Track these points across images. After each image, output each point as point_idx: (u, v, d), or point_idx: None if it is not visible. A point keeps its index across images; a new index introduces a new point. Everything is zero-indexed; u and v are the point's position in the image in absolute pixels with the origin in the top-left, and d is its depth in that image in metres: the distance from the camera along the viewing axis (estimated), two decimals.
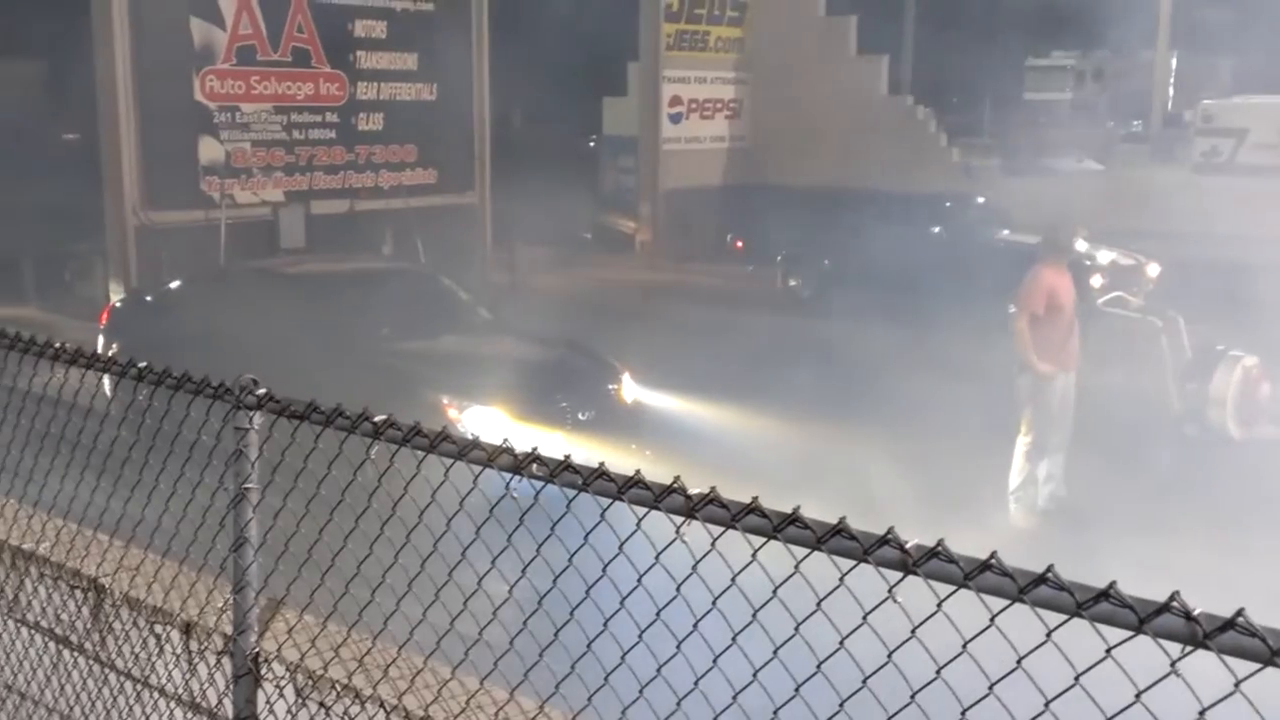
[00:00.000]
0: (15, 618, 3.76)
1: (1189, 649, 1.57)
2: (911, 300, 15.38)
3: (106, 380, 3.46)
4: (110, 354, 4.35)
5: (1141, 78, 36.11)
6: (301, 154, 17.04)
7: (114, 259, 15.50)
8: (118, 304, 12.25)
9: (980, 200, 17.99)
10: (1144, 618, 1.60)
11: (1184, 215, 19.07)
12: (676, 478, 2.10)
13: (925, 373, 11.25)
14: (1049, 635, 1.70)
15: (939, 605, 1.81)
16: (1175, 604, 1.58)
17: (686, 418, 10.30)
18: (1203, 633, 1.55)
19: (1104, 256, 15.28)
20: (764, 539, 1.98)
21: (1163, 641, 1.58)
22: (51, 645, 3.60)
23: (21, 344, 3.48)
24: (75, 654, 3.51)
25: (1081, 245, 9.85)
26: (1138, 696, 1.64)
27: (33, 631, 3.68)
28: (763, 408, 10.30)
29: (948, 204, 17.67)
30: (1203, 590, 1.78)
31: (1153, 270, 15.64)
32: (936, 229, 16.96)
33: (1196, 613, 1.56)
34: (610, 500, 2.20)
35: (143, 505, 3.31)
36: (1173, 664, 1.59)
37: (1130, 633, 1.61)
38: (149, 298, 11.73)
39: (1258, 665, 1.52)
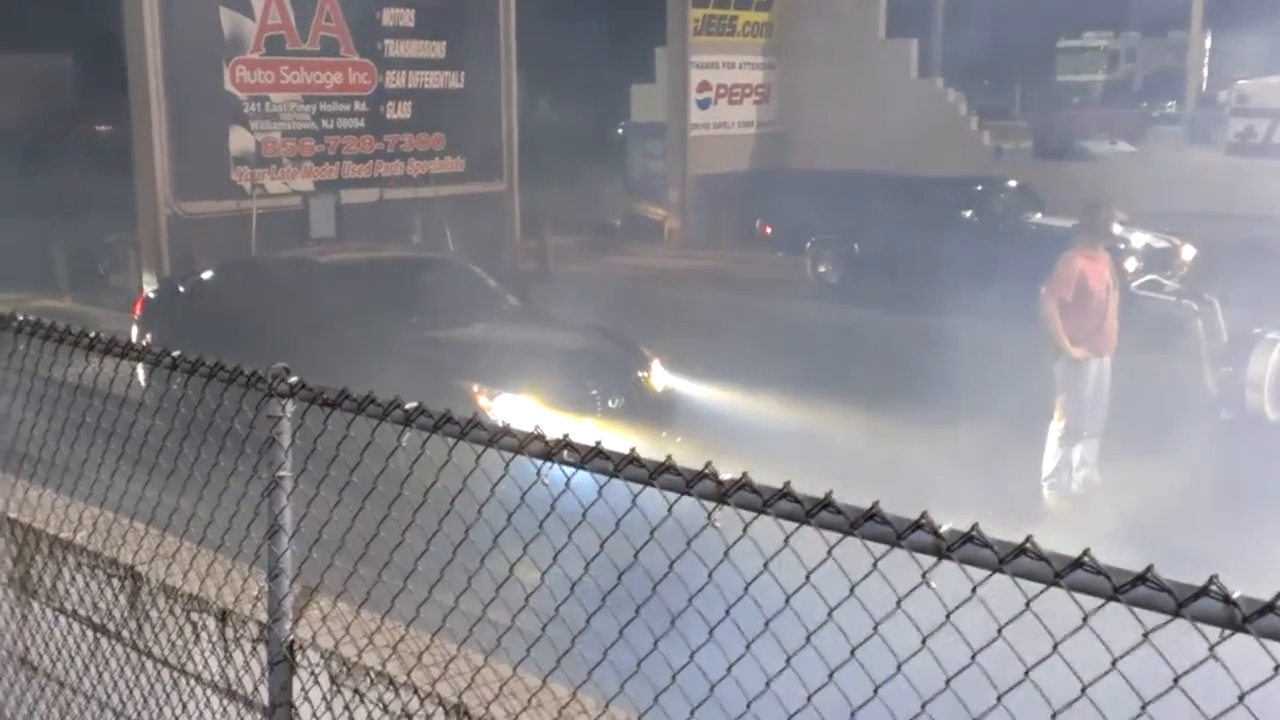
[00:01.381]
0: (54, 606, 3.80)
1: (1228, 633, 1.55)
2: (941, 285, 15.29)
3: (141, 370, 3.48)
4: (144, 344, 4.38)
5: (1175, 58, 35.73)
6: (331, 143, 17.11)
7: (146, 249, 15.62)
8: (151, 294, 12.35)
9: (1012, 184, 17.83)
10: (1182, 601, 1.58)
11: (1219, 197, 18.87)
12: (708, 463, 2.10)
13: (956, 358, 11.18)
14: (1085, 620, 1.68)
15: (974, 590, 1.79)
16: (1214, 587, 1.56)
17: (716, 404, 10.29)
18: (1241, 616, 1.53)
19: (1138, 239, 15.12)
20: (796, 524, 1.98)
21: (1201, 625, 1.56)
22: (89, 633, 3.63)
23: (57, 334, 3.51)
24: (113, 642, 3.54)
25: (1117, 229, 9.73)
26: (1175, 681, 1.62)
27: (71, 620, 3.72)
28: (792, 394, 10.27)
29: (979, 188, 17.53)
30: (1241, 574, 1.76)
31: (1187, 253, 15.46)
32: (967, 213, 16.83)
33: (1235, 596, 1.54)
34: (641, 487, 2.20)
35: (178, 494, 3.34)
36: (1211, 648, 1.57)
37: (1168, 616, 1.59)
38: (181, 288, 11.81)
39: None
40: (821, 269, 18.24)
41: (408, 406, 2.58)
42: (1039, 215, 16.50)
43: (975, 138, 22.79)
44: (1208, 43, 32.91)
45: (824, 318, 15.30)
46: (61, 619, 3.75)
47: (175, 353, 3.10)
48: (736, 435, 9.25)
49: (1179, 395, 9.70)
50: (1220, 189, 19.47)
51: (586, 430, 5.71)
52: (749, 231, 19.98)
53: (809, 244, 18.34)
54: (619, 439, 3.76)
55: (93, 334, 3.42)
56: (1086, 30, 41.85)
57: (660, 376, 9.58)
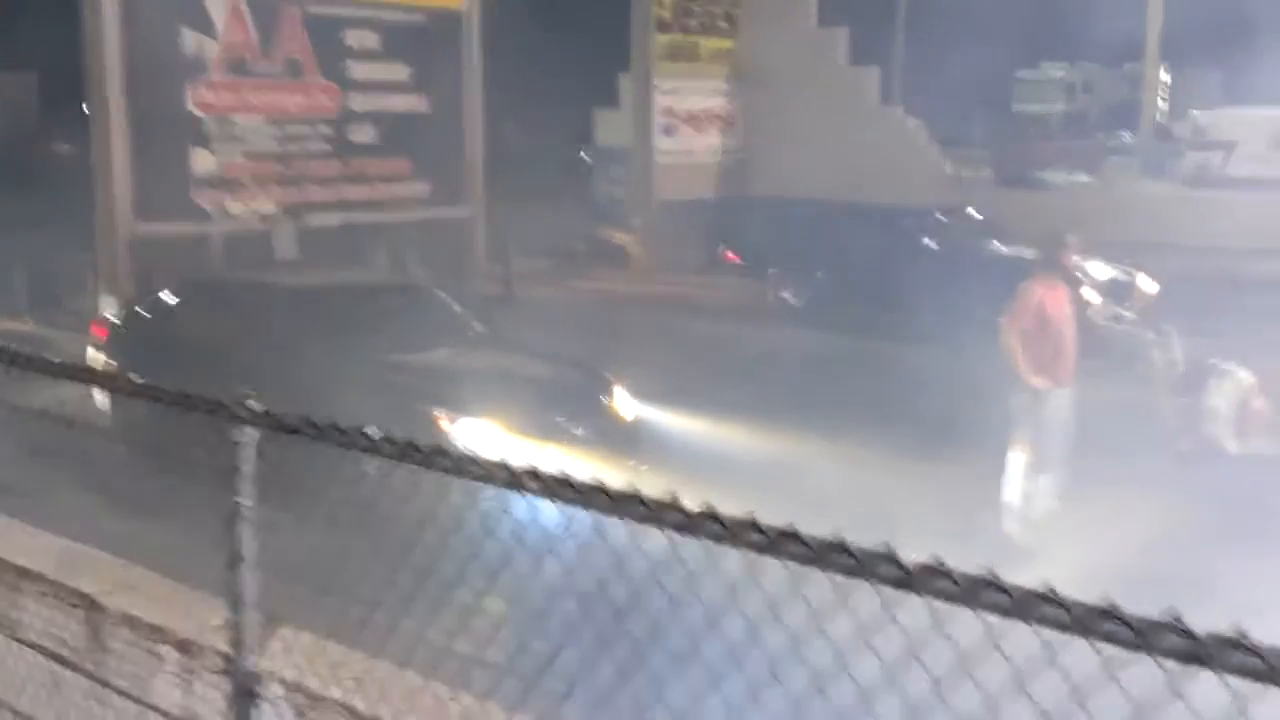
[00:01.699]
0: (12, 635, 3.74)
1: (1191, 667, 1.57)
2: (903, 312, 15.40)
3: (98, 395, 3.45)
4: (109, 369, 4.35)
5: (1131, 90, 36.26)
6: (294, 166, 17.02)
7: (106, 271, 15.45)
8: (109, 317, 12.22)
9: (971, 212, 18.02)
10: (1145, 634, 1.60)
11: (1175, 228, 19.14)
12: (673, 494, 2.10)
13: (918, 386, 11.26)
14: (1050, 654, 1.70)
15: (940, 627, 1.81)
16: (1176, 623, 1.58)
17: (680, 430, 10.30)
18: (1206, 652, 1.56)
19: (1096, 270, 15.30)
20: (761, 555, 1.99)
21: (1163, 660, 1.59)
22: (49, 664, 3.58)
23: (20, 360, 3.47)
24: (73, 672, 3.49)
25: (1075, 259, 9.84)
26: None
27: (30, 650, 3.66)
28: (756, 420, 10.29)
29: (939, 216, 17.70)
30: (1205, 607, 1.79)
31: (1145, 284, 15.66)
32: (927, 241, 16.99)
33: (1200, 634, 1.57)
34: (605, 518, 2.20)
35: (139, 522, 3.31)
36: (1176, 684, 1.59)
37: (1131, 651, 1.62)
38: (141, 310, 11.69)
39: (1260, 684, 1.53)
40: (784, 295, 18.31)
41: (372, 433, 2.56)
42: (998, 244, 16.67)
43: (936, 165, 23.01)
44: (1163, 75, 33.46)
45: (787, 343, 15.36)
46: (21, 649, 3.70)
47: (137, 380, 3.07)
48: (700, 460, 9.26)
49: (1137, 426, 9.81)
50: (1176, 220, 19.77)
51: (551, 456, 5.70)
52: (712, 258, 20.06)
53: (771, 270, 18.43)
54: (583, 465, 3.75)
55: (55, 360, 3.39)
56: (1044, 61, 42.45)
57: (625, 402, 9.59)
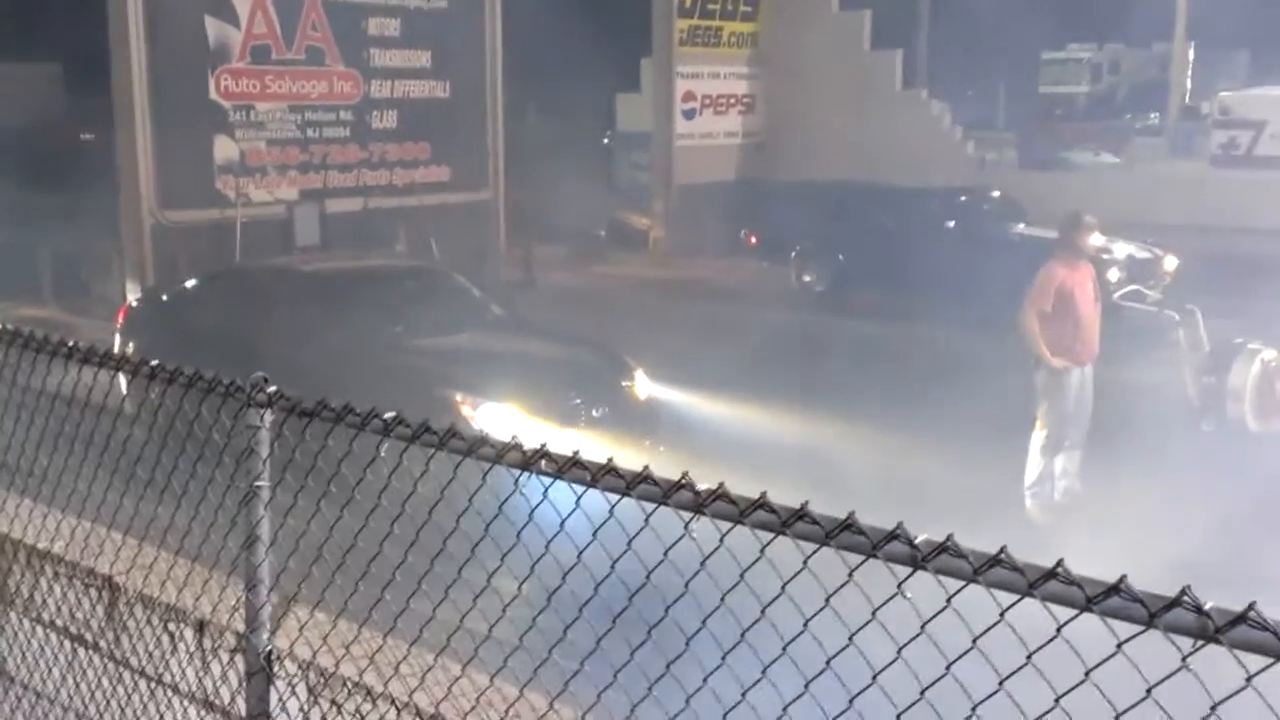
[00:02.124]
0: (31, 616, 3.78)
1: (1200, 643, 1.56)
2: (925, 295, 15.32)
3: (122, 379, 3.47)
4: (126, 353, 4.37)
5: (1158, 70, 35.93)
6: (316, 152, 17.08)
7: (130, 258, 15.56)
8: (134, 303, 12.30)
9: (995, 194, 17.90)
10: (1155, 612, 1.58)
11: (1201, 208, 18.98)
12: (684, 473, 2.10)
13: (939, 368, 11.21)
14: (1059, 630, 1.69)
15: (948, 600, 1.79)
16: (1186, 598, 1.57)
17: (700, 414, 10.29)
18: (1214, 627, 1.54)
19: (1121, 250, 15.19)
20: (772, 534, 1.98)
21: (1174, 636, 1.57)
22: (67, 644, 3.61)
23: (36, 344, 3.49)
24: (90, 652, 3.52)
25: (1098, 239, 9.76)
26: (1148, 692, 1.63)
27: (48, 630, 3.70)
28: (776, 404, 10.27)
29: (962, 198, 17.59)
30: (1218, 585, 1.77)
31: (1170, 263, 15.53)
32: (951, 223, 16.89)
33: (1208, 607, 1.55)
34: (619, 497, 2.20)
35: (156, 503, 3.32)
36: (1184, 658, 1.58)
37: (1141, 627, 1.60)
38: (165, 296, 11.77)
39: (1269, 660, 1.51)
40: (806, 278, 18.27)
41: (386, 416, 2.57)
42: (1022, 226, 16.56)
43: (959, 148, 22.88)
44: (1191, 55, 33.12)
45: (809, 327, 15.32)
46: (39, 629, 3.73)
47: (154, 362, 3.08)
48: (720, 444, 9.25)
49: (1161, 406, 9.73)
50: (1203, 200, 19.59)
51: (570, 439, 5.71)
52: (734, 241, 20.02)
53: (794, 253, 18.38)
54: (602, 448, 3.75)
55: (72, 343, 3.41)
56: (1070, 42, 42.08)
57: (644, 386, 9.58)
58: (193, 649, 3.19)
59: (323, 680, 2.86)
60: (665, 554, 2.18)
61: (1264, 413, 9.66)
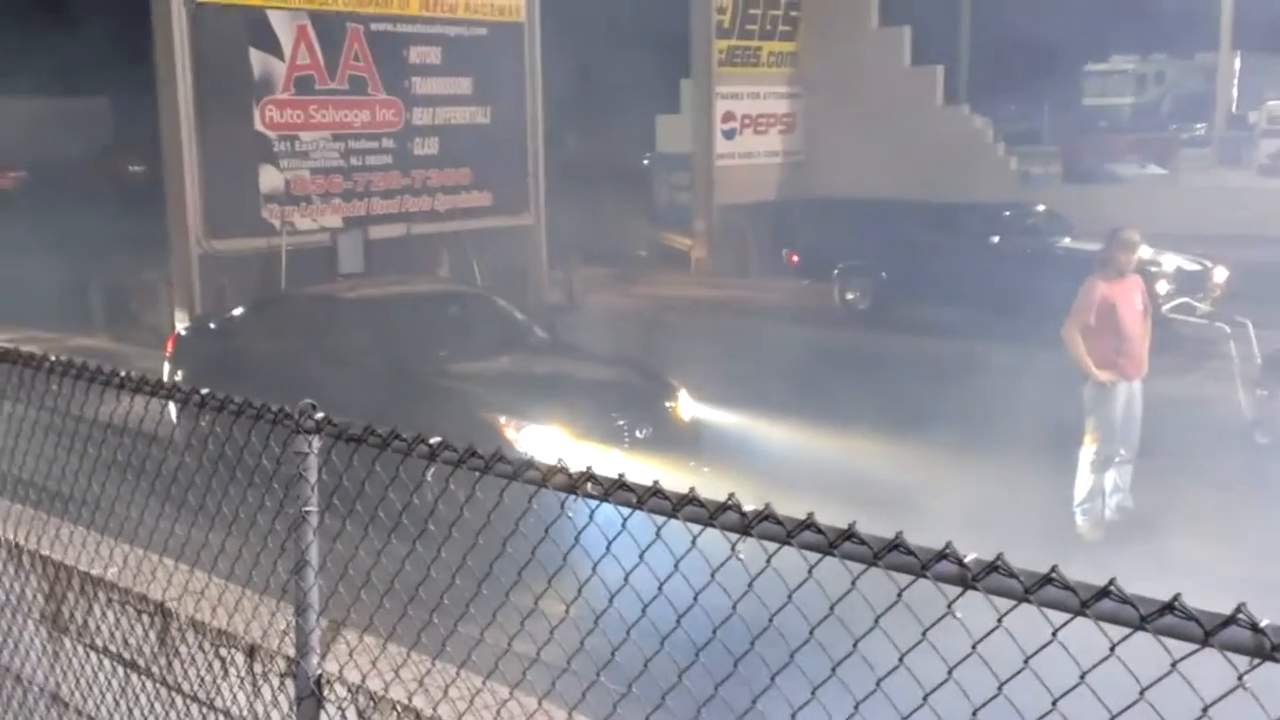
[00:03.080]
0: (85, 643, 3.82)
1: (1256, 661, 1.53)
2: (969, 311, 15.22)
3: (172, 407, 3.51)
4: (175, 382, 4.43)
5: (1204, 80, 35.58)
6: (359, 180, 17.26)
7: (178, 287, 15.77)
8: (182, 332, 12.46)
9: (1040, 208, 17.76)
10: (1210, 630, 1.56)
11: (1250, 218, 18.74)
12: (731, 495, 2.09)
13: (985, 383, 11.12)
14: (1113, 649, 1.67)
15: (999, 620, 1.78)
16: (1241, 616, 1.54)
17: (745, 434, 10.26)
18: (1270, 644, 1.52)
19: (1169, 263, 15.01)
20: (820, 555, 1.97)
21: (1230, 654, 1.55)
22: (120, 669, 3.65)
23: (89, 374, 3.55)
24: (143, 678, 3.56)
25: (1146, 252, 9.65)
26: (1205, 710, 1.60)
27: (101, 656, 3.74)
28: (820, 423, 10.22)
29: (1006, 213, 17.46)
30: (1273, 603, 1.74)
31: (1220, 275, 15.32)
32: (995, 239, 16.77)
33: (1264, 625, 1.53)
34: (665, 520, 2.19)
35: (206, 530, 3.36)
36: (1240, 677, 1.55)
37: (1195, 645, 1.58)
38: (212, 325, 11.92)
39: None
40: (849, 296, 18.19)
41: (432, 441, 2.59)
42: (1068, 240, 16.41)
43: (1002, 163, 22.75)
44: (1237, 64, 32.78)
45: (852, 345, 15.25)
46: (92, 655, 3.78)
47: (203, 391, 3.12)
48: (764, 465, 9.22)
49: (1213, 419, 9.60)
50: (1251, 211, 19.35)
51: (614, 461, 5.72)
52: (775, 260, 19.98)
53: (836, 271, 18.31)
54: (647, 470, 3.74)
55: (123, 373, 3.46)
56: (1114, 54, 41.78)
57: (687, 406, 9.57)
58: (244, 674, 3.21)
59: (372, 704, 2.87)
60: (712, 575, 2.17)
61: None
